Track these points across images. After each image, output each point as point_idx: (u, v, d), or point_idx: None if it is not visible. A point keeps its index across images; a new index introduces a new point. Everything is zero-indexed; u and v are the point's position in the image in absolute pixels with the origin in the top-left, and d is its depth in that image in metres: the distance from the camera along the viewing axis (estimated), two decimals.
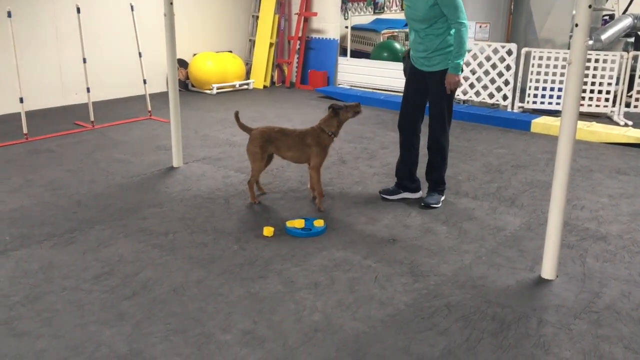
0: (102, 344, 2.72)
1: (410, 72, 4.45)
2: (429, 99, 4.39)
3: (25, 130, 6.17)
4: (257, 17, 10.00)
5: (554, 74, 7.39)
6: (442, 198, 4.54)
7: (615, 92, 7.34)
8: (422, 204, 4.46)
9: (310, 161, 4.36)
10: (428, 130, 4.47)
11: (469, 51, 7.72)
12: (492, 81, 7.68)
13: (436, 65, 4.22)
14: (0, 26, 6.94)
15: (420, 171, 4.66)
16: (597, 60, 7.25)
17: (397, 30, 11.15)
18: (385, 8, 11.85)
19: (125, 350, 2.67)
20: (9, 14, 5.90)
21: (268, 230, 3.91)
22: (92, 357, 2.62)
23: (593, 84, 7.30)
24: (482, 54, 7.64)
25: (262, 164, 4.40)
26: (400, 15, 11.94)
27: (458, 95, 7.97)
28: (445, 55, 4.17)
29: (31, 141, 6.15)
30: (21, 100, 6.15)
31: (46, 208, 4.36)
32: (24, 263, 3.50)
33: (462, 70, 4.17)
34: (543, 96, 7.50)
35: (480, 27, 7.82)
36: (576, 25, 2.99)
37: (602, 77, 7.24)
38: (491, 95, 7.74)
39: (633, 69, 7.44)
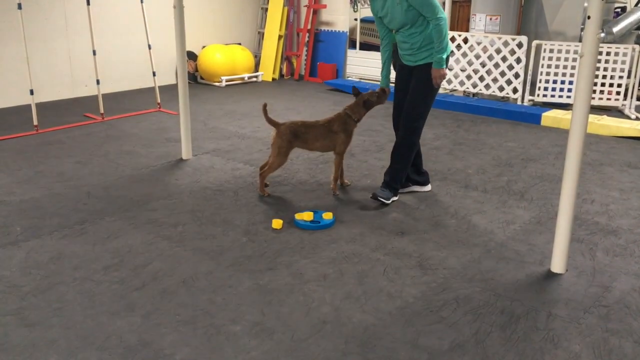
0: (112, 334, 2.74)
1: (400, 68, 4.41)
2: (408, 92, 4.28)
3: (35, 122, 6.20)
4: (266, 9, 9.98)
5: (565, 67, 7.34)
6: (394, 198, 4.40)
7: (627, 85, 7.28)
8: (372, 195, 4.36)
9: (336, 148, 4.47)
10: (402, 121, 4.32)
11: (479, 43, 7.68)
12: (502, 74, 7.64)
13: (421, 60, 4.18)
14: (10, 18, 6.98)
15: (427, 164, 4.65)
16: (608, 53, 7.19)
17: None
18: None
19: (135, 340, 2.69)
20: (20, 6, 5.92)
21: (277, 223, 3.91)
22: (102, 347, 2.64)
23: (604, 77, 7.24)
24: (492, 46, 7.59)
25: (286, 158, 4.46)
26: None
27: (468, 88, 7.93)
28: (429, 50, 4.12)
29: (41, 133, 6.18)
30: (31, 92, 6.18)
31: (56, 199, 4.39)
32: (34, 254, 3.52)
33: (446, 64, 4.11)
34: (553, 89, 7.45)
35: (491, 19, 7.77)
36: (588, 17, 2.96)
37: (614, 70, 7.18)
38: (501, 88, 7.70)
39: None
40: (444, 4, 8.44)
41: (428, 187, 4.64)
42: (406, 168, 4.39)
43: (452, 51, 7.97)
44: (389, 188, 4.38)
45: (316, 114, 7.16)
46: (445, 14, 4.14)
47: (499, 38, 7.55)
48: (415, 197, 4.51)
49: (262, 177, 4.50)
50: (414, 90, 4.24)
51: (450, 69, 8.07)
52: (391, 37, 4.36)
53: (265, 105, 4.53)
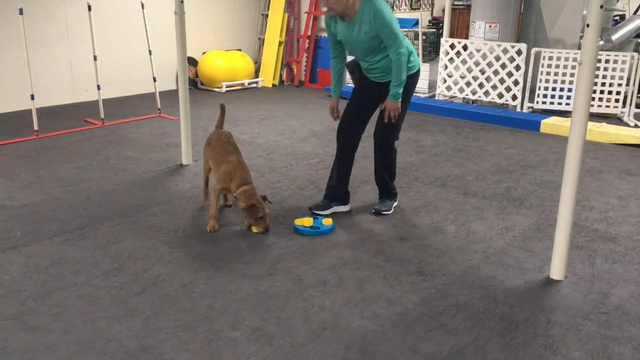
0: (112, 339, 2.74)
1: (362, 80, 4.20)
2: (383, 106, 4.11)
3: (36, 127, 6.21)
4: (267, 15, 10.01)
5: (564, 74, 7.36)
6: (395, 204, 4.39)
7: (626, 92, 7.30)
8: (374, 211, 4.30)
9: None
10: (375, 138, 4.23)
11: (479, 51, 7.71)
12: (502, 81, 7.66)
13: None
14: (12, 23, 7.00)
15: (427, 170, 4.63)
16: (607, 61, 7.22)
17: (406, 29, 11.12)
18: (394, 7, 11.83)
19: (134, 345, 2.69)
20: (21, 11, 5.94)
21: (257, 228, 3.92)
22: (101, 352, 2.64)
23: (603, 84, 7.26)
24: (491, 53, 7.62)
25: (208, 165, 4.26)
26: (410, 15, 11.92)
27: (467, 95, 7.95)
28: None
29: (42, 138, 6.19)
30: (32, 97, 6.19)
31: (56, 204, 4.40)
32: (34, 258, 3.53)
33: (401, 98, 3.96)
34: (553, 96, 7.47)
35: (490, 26, 7.80)
36: (587, 25, 2.98)
37: (613, 77, 7.20)
38: (500, 95, 7.72)
39: None
40: (443, 10, 8.48)
41: (349, 207, 4.38)
42: (395, 173, 4.38)
43: (451, 58, 7.99)
44: (388, 198, 4.39)
45: (316, 120, 7.18)
46: (408, 44, 3.91)
47: (499, 45, 7.58)
48: (415, 204, 4.52)
49: (204, 183, 4.45)
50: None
51: (450, 76, 8.10)
52: (343, 52, 4.17)
53: (223, 106, 4.63)
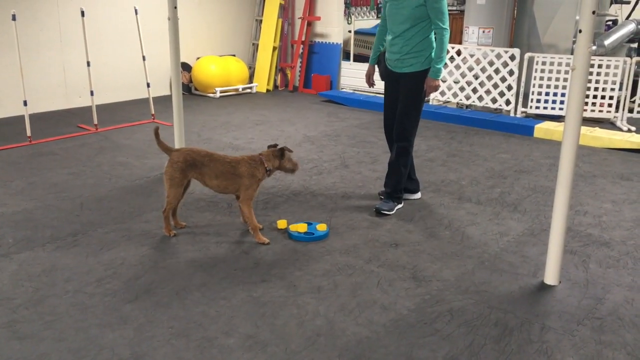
0: (105, 347, 2.72)
1: (386, 75, 4.47)
2: (398, 102, 4.37)
3: (28, 133, 6.19)
4: (261, 21, 10.02)
5: (557, 79, 7.38)
6: (399, 206, 4.46)
7: (619, 97, 7.33)
8: (375, 209, 4.40)
9: (239, 193, 3.90)
10: (393, 134, 4.43)
11: (472, 56, 7.73)
12: (495, 86, 7.68)
13: (407, 67, 4.24)
14: (4, 29, 6.98)
15: (421, 175, 4.63)
16: (600, 66, 7.25)
17: None
18: None
19: (127, 353, 2.67)
20: (14, 17, 5.92)
21: (282, 223, 4.06)
22: None
23: (596, 89, 7.29)
24: (485, 58, 7.64)
25: (181, 190, 3.90)
26: None
27: (461, 100, 7.97)
28: (417, 57, 4.19)
29: (35, 144, 6.17)
30: (25, 103, 6.17)
31: (49, 211, 4.37)
32: (27, 266, 3.50)
33: (440, 75, 4.19)
34: (546, 101, 7.50)
35: (484, 32, 7.82)
36: (580, 30, 2.99)
37: (606, 82, 7.23)
38: (494, 100, 7.74)
39: (636, 75, 7.44)
40: None
41: (418, 195, 4.68)
42: (405, 176, 4.45)
43: (445, 63, 8.03)
44: (391, 199, 4.44)
45: (310, 125, 7.18)
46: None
47: (492, 50, 7.60)
48: (409, 209, 4.51)
49: (164, 215, 3.95)
50: (404, 101, 4.30)
51: (444, 81, 8.11)
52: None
53: (157, 129, 3.97)
